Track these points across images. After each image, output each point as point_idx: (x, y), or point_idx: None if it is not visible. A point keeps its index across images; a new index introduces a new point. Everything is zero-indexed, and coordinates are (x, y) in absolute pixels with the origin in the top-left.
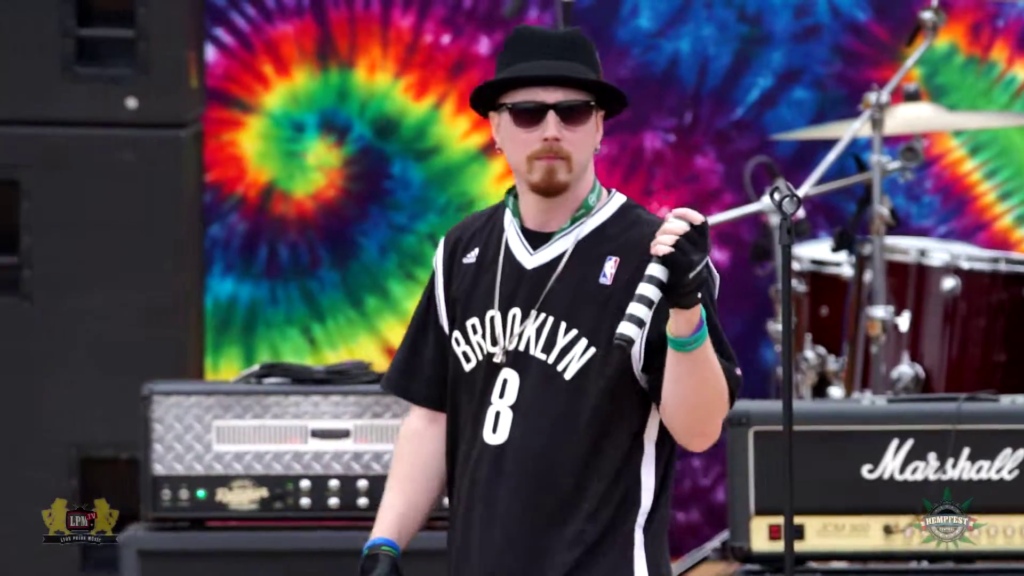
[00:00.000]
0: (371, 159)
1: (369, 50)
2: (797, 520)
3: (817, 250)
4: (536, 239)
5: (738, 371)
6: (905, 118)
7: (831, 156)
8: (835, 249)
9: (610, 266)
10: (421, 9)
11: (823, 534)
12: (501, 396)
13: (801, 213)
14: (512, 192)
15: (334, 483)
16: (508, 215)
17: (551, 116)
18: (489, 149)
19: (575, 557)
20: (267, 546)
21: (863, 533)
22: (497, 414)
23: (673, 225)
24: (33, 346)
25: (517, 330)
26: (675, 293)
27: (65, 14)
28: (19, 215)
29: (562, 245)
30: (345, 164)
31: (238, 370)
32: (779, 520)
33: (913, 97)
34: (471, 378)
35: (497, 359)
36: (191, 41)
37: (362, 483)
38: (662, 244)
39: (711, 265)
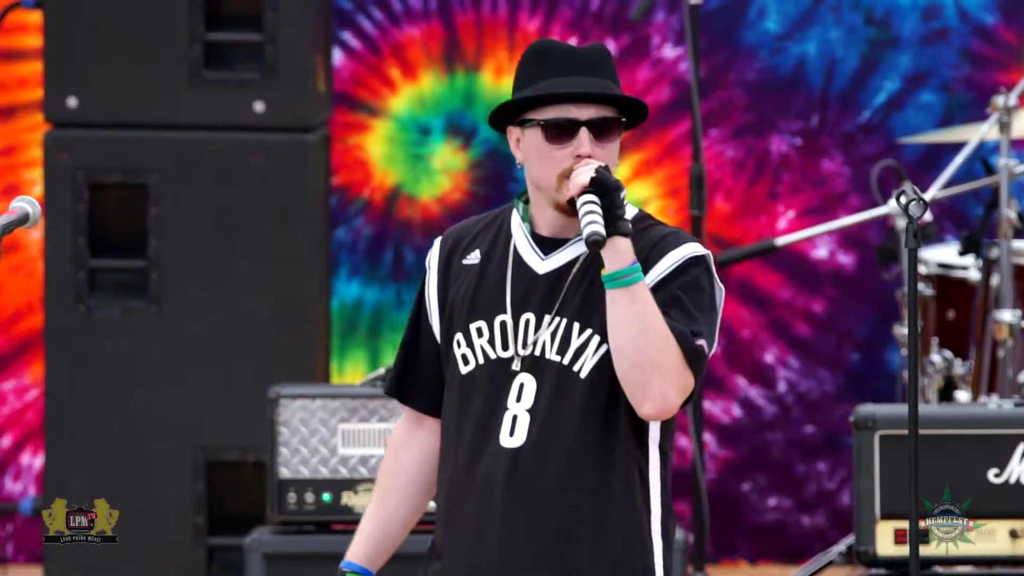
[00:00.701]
0: (497, 162)
1: (496, 53)
2: (923, 524)
3: (944, 254)
4: (548, 244)
5: (700, 342)
6: None
7: (958, 159)
8: (962, 253)
9: None
10: (548, 12)
11: None
12: (518, 400)
13: (928, 217)
14: (522, 198)
15: None
16: (516, 219)
17: (584, 133)
18: None
19: (594, 561)
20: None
21: (989, 537)
22: (514, 418)
23: (585, 165)
24: (160, 349)
25: (532, 335)
26: (611, 215)
27: (193, 19)
28: (147, 219)
29: (576, 249)
30: (471, 167)
31: (364, 373)
32: (905, 524)
33: None
34: (469, 381)
35: (515, 366)
36: (318, 45)
37: None
38: (581, 174)
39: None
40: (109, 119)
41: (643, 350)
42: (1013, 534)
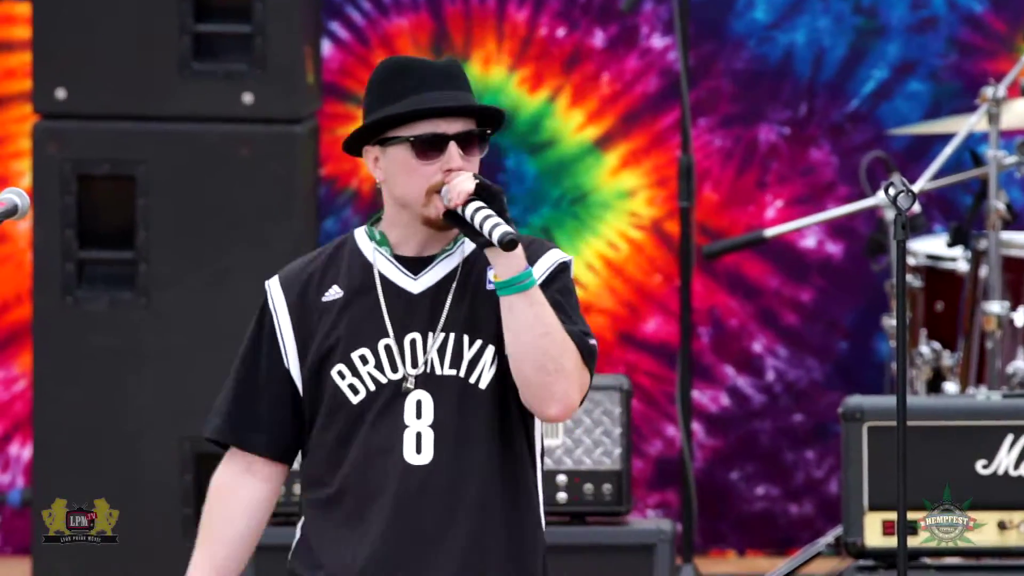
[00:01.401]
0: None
1: (484, 44)
2: (911, 516)
3: (932, 245)
4: (414, 264)
5: (593, 341)
6: (1022, 112)
7: (947, 150)
8: (951, 244)
9: (491, 273)
10: (536, 2)
11: None
12: (418, 417)
13: (916, 208)
14: (372, 224)
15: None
16: (367, 247)
17: (453, 147)
18: (603, 142)
19: (488, 568)
20: None
21: (977, 529)
22: (418, 435)
23: (460, 176)
24: (148, 341)
25: (420, 354)
26: (503, 219)
27: (183, 10)
28: (136, 210)
29: (449, 264)
30: None
31: None
32: (893, 516)
33: None
34: (361, 409)
35: (408, 384)
36: (307, 36)
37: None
38: (464, 182)
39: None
40: (98, 110)
41: (547, 352)
42: (1001, 525)
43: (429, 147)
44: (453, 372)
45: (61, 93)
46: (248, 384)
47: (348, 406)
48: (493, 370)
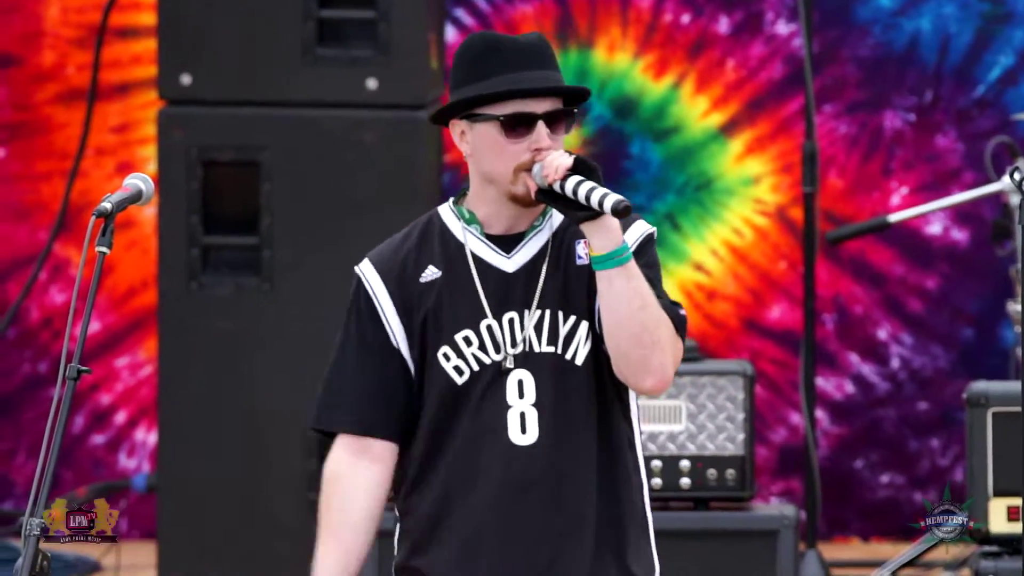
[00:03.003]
0: (610, 139)
1: (609, 30)
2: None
3: None
4: (505, 243)
5: (682, 311)
6: None
7: None
8: None
9: (580, 248)
10: None
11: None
12: (521, 397)
13: None
14: (458, 203)
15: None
16: (456, 226)
17: (541, 126)
18: (728, 129)
19: (601, 545)
20: None
21: None
22: (522, 415)
23: (554, 153)
24: (272, 326)
25: (519, 332)
26: None
27: None
28: (260, 196)
29: (539, 241)
30: (584, 144)
31: None
32: (1017, 501)
33: None
34: (466, 390)
35: (508, 364)
36: (432, 22)
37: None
38: (561, 158)
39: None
40: (222, 96)
41: (644, 324)
42: None
43: (518, 126)
44: (551, 349)
45: (186, 79)
46: (356, 368)
47: (454, 388)
48: (588, 345)
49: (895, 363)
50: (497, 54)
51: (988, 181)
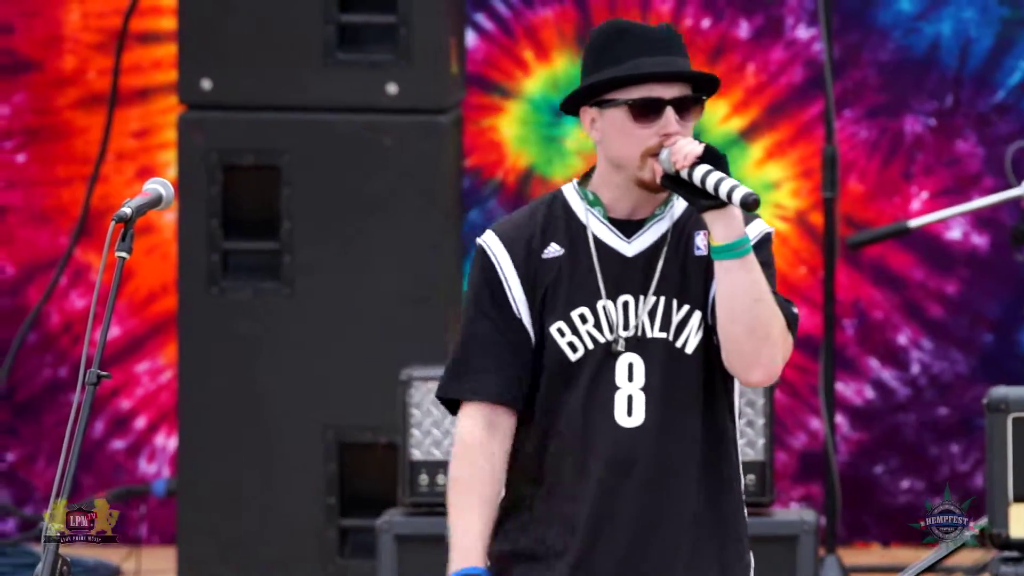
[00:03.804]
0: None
1: None
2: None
3: None
4: (627, 227)
5: (795, 309)
6: None
7: None
8: None
9: (700, 239)
10: None
11: None
12: (630, 380)
13: None
14: (583, 184)
15: None
16: (580, 207)
17: (670, 111)
18: (748, 133)
19: (701, 537)
20: None
21: None
22: (629, 397)
23: (683, 140)
24: (292, 331)
25: (632, 317)
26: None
27: (327, 0)
28: (280, 201)
29: (659, 228)
30: None
31: None
32: None
33: None
34: (578, 367)
35: (619, 347)
36: (452, 27)
37: None
38: (689, 145)
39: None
40: (243, 101)
41: (758, 317)
42: None
43: (646, 111)
44: (663, 335)
45: (206, 84)
46: (483, 339)
47: (566, 363)
48: (700, 335)
49: (915, 368)
50: (626, 40)
51: (1008, 186)
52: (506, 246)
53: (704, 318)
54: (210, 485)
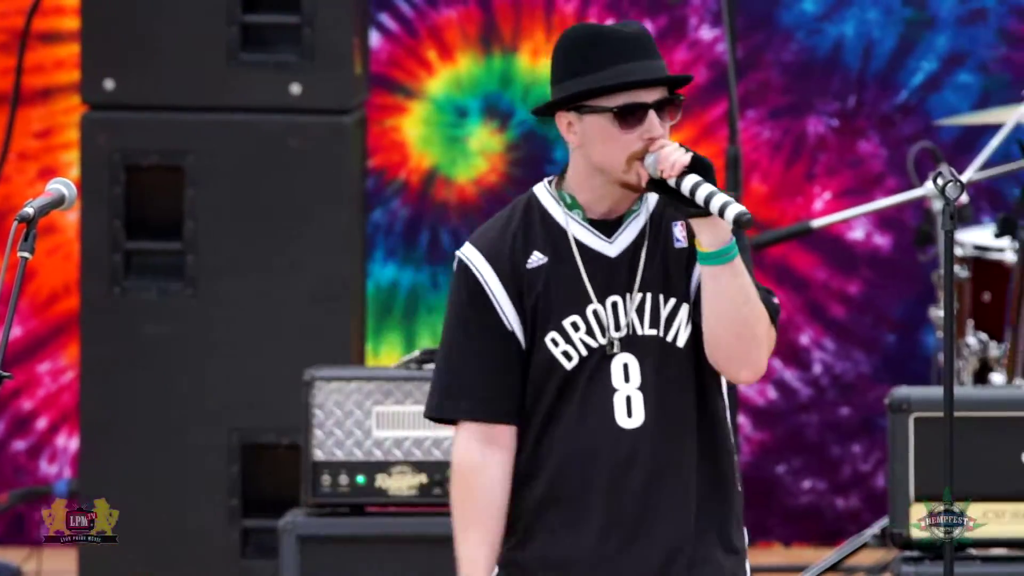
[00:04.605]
0: (534, 144)
1: (533, 35)
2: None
3: (980, 236)
4: (606, 227)
5: (776, 300)
6: None
7: (995, 141)
8: (998, 235)
9: (678, 230)
10: None
11: (981, 521)
12: (627, 380)
13: (964, 199)
14: (556, 186)
15: None
16: (559, 211)
17: (653, 116)
18: None
19: (704, 523)
20: (426, 532)
21: (1023, 520)
22: (628, 398)
23: (670, 146)
24: (196, 332)
25: (622, 316)
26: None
27: (231, 1)
28: (183, 201)
29: (638, 224)
30: (508, 149)
31: (399, 356)
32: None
33: None
34: (573, 375)
35: (614, 349)
36: (356, 27)
37: None
38: (676, 153)
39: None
40: (146, 101)
41: (746, 320)
42: None
43: (630, 116)
44: (653, 332)
45: (109, 84)
46: (473, 354)
47: (562, 373)
48: (689, 328)
49: (817, 368)
50: (603, 45)
51: (911, 186)
52: (489, 260)
53: (691, 310)
54: (112, 486)
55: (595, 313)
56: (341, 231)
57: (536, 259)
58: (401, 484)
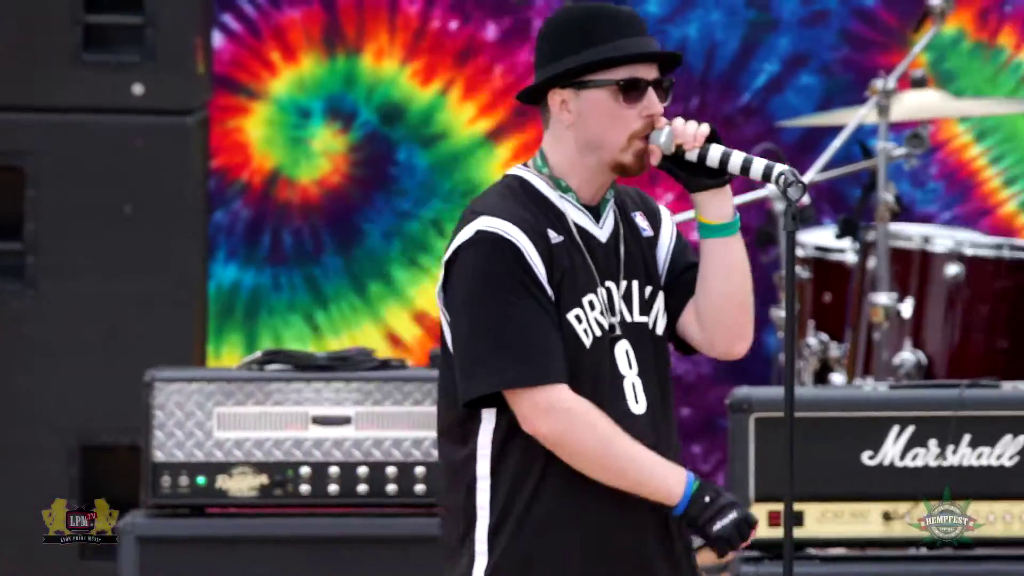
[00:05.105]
0: (377, 145)
1: (376, 36)
2: (797, 507)
3: (821, 236)
4: (593, 212)
5: None
6: (911, 105)
7: (837, 142)
8: (839, 236)
9: (640, 218)
10: None
11: (822, 521)
12: (630, 367)
13: (806, 199)
14: (544, 170)
15: (334, 470)
16: (550, 193)
17: (651, 92)
18: (496, 135)
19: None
20: (267, 533)
21: (862, 520)
22: (633, 385)
23: (679, 119)
24: (36, 332)
25: (617, 301)
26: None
27: (73, 1)
28: (24, 202)
29: (612, 212)
30: (350, 150)
31: (240, 357)
32: (779, 507)
33: (920, 83)
34: (590, 354)
35: (616, 332)
36: (199, 27)
37: (362, 470)
38: (692, 125)
39: None
40: None
41: (748, 291)
42: (886, 516)
43: (633, 92)
44: (643, 319)
45: None
46: (538, 321)
47: (582, 351)
48: (664, 317)
49: None
50: (604, 21)
51: (753, 187)
52: (525, 232)
53: (664, 298)
54: None
55: (600, 295)
56: (183, 232)
57: (554, 236)
58: (242, 485)
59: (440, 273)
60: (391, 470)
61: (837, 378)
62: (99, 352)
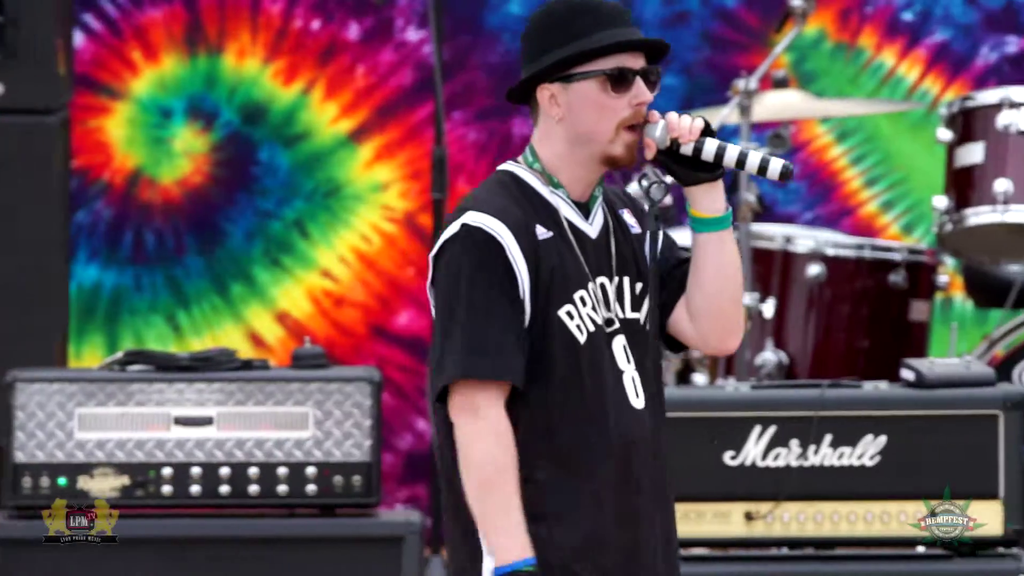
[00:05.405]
0: (238, 145)
1: (238, 36)
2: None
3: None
4: (583, 208)
5: None
6: (773, 105)
7: None
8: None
9: (627, 215)
10: None
11: (684, 520)
12: (628, 362)
13: (669, 200)
14: (534, 166)
15: (196, 471)
16: (540, 188)
17: (639, 82)
18: (358, 135)
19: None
20: (128, 534)
21: (724, 520)
22: (633, 379)
23: (673, 113)
24: None
25: (611, 298)
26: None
27: None
28: None
29: (601, 208)
30: (212, 150)
31: (101, 357)
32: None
33: (781, 84)
34: (587, 350)
35: (613, 327)
36: (59, 27)
37: (224, 471)
38: (686, 118)
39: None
40: None
41: (740, 284)
42: (748, 516)
43: (622, 81)
44: (635, 315)
45: None
46: (501, 318)
47: (576, 347)
48: (654, 314)
49: None
50: (588, 14)
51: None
52: (510, 229)
53: (653, 295)
54: None
55: (593, 291)
56: (44, 232)
57: (542, 232)
58: (103, 486)
59: (430, 266)
60: (253, 471)
61: (699, 378)
62: None
